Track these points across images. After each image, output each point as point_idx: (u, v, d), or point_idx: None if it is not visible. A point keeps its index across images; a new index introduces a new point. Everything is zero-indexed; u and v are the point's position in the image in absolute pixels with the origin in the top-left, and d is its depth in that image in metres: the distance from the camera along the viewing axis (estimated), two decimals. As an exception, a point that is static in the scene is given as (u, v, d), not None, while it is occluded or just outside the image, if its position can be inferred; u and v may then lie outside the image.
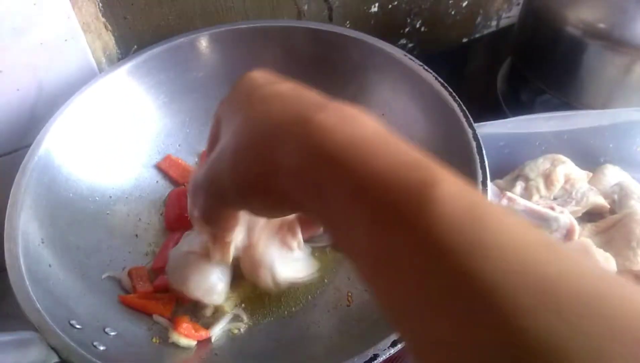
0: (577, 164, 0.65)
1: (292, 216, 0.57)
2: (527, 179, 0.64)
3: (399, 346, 0.41)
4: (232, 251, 0.50)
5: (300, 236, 0.55)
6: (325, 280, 0.57)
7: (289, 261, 0.55)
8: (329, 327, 0.52)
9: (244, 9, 0.75)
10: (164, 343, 0.50)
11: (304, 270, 0.55)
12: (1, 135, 0.63)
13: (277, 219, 0.54)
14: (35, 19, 0.59)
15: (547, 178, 0.64)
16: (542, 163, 0.64)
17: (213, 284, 0.52)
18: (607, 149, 0.66)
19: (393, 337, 0.41)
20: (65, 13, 0.61)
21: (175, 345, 0.50)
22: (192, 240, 0.53)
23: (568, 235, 0.59)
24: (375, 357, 0.40)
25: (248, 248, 0.50)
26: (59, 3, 0.59)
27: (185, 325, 0.51)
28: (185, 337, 0.50)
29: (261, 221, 0.51)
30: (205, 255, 0.51)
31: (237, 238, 0.52)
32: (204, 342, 0.51)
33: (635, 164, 0.69)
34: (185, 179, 0.66)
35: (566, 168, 0.64)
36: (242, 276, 0.54)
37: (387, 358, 0.47)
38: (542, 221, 0.59)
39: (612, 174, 0.66)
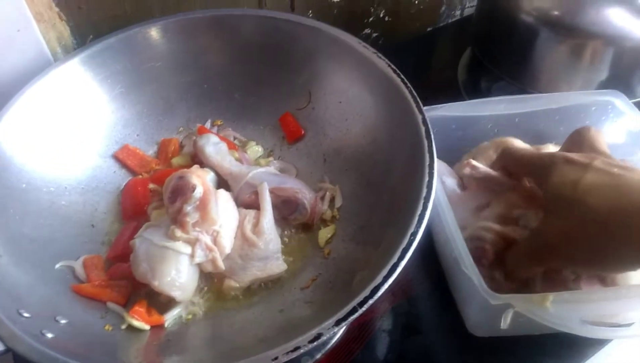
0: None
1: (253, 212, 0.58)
2: None
3: (343, 324, 0.42)
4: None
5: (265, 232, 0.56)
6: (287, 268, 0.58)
7: (254, 261, 0.56)
8: (280, 310, 0.52)
9: (203, -2, 0.75)
10: (116, 330, 0.50)
11: (270, 268, 0.56)
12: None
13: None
14: (-16, 9, 0.58)
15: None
16: (486, 149, 0.66)
17: (187, 282, 0.53)
18: (558, 131, 0.68)
19: (337, 317, 0.42)
20: (17, 3, 0.60)
21: (128, 332, 0.51)
22: (161, 233, 0.53)
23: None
24: (320, 335, 0.41)
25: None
26: (9, -8, 0.58)
27: (138, 309, 0.51)
28: (138, 320, 0.50)
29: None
30: (178, 251, 0.52)
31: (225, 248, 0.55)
32: (158, 328, 0.52)
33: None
34: (143, 169, 0.66)
35: None
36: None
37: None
38: (500, 186, 0.61)
39: None
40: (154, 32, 0.67)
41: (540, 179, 0.54)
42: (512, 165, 0.59)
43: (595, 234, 0.47)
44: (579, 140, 0.57)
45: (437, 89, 0.91)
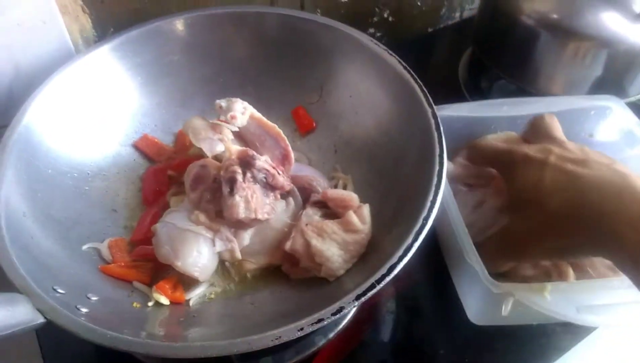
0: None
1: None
2: None
3: (362, 299, 0.45)
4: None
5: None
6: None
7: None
8: (298, 289, 0.56)
9: (218, -5, 0.77)
10: (143, 307, 0.53)
11: None
12: (-22, 115, 0.65)
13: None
14: (12, 0, 0.60)
15: None
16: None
17: (207, 263, 0.56)
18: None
19: (356, 292, 0.45)
20: (43, -5, 0.63)
21: (155, 309, 0.53)
22: (182, 217, 0.56)
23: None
24: (342, 309, 0.44)
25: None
26: (37, -15, 0.61)
27: (163, 285, 0.54)
28: (160, 294, 0.54)
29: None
30: (199, 234, 0.55)
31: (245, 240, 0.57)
32: (183, 305, 0.55)
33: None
34: (161, 158, 0.68)
35: None
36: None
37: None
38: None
39: None
40: (173, 27, 0.69)
41: (504, 176, 0.59)
42: (478, 160, 0.65)
43: (558, 232, 0.51)
44: (536, 128, 0.63)
45: (438, 87, 0.94)
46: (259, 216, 0.54)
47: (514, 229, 0.56)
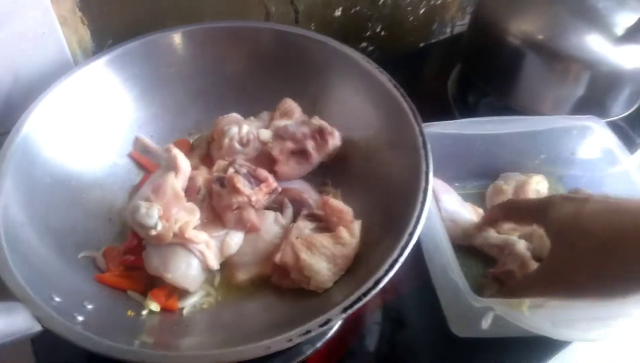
0: (513, 165, 0.76)
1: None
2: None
3: (349, 312, 0.47)
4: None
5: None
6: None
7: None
8: (289, 301, 0.57)
9: (214, 9, 0.79)
10: (138, 315, 0.55)
11: None
12: (-24, 123, 0.66)
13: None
14: (14, 12, 0.62)
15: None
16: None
17: (196, 274, 0.57)
18: (541, 151, 0.75)
19: (344, 305, 0.47)
20: (44, 7, 0.64)
21: (150, 317, 0.55)
22: None
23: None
24: (329, 320, 0.46)
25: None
26: (38, -3, 0.62)
27: (157, 292, 0.56)
28: (154, 301, 0.55)
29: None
30: (186, 246, 0.56)
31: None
32: (176, 314, 0.56)
33: (566, 166, 0.78)
34: (156, 168, 0.70)
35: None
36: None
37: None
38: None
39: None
40: (170, 40, 0.71)
41: (543, 220, 0.58)
42: (516, 216, 0.65)
43: (599, 257, 0.51)
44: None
45: (428, 101, 0.97)
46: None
47: (553, 262, 0.55)
